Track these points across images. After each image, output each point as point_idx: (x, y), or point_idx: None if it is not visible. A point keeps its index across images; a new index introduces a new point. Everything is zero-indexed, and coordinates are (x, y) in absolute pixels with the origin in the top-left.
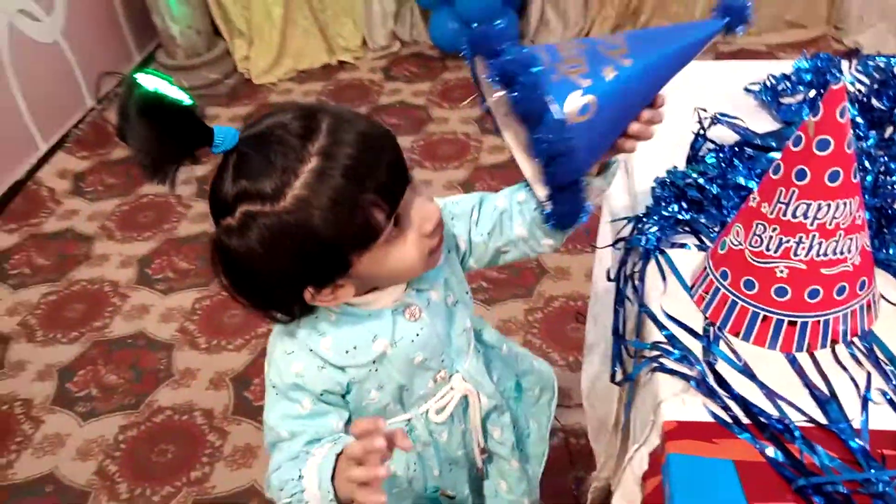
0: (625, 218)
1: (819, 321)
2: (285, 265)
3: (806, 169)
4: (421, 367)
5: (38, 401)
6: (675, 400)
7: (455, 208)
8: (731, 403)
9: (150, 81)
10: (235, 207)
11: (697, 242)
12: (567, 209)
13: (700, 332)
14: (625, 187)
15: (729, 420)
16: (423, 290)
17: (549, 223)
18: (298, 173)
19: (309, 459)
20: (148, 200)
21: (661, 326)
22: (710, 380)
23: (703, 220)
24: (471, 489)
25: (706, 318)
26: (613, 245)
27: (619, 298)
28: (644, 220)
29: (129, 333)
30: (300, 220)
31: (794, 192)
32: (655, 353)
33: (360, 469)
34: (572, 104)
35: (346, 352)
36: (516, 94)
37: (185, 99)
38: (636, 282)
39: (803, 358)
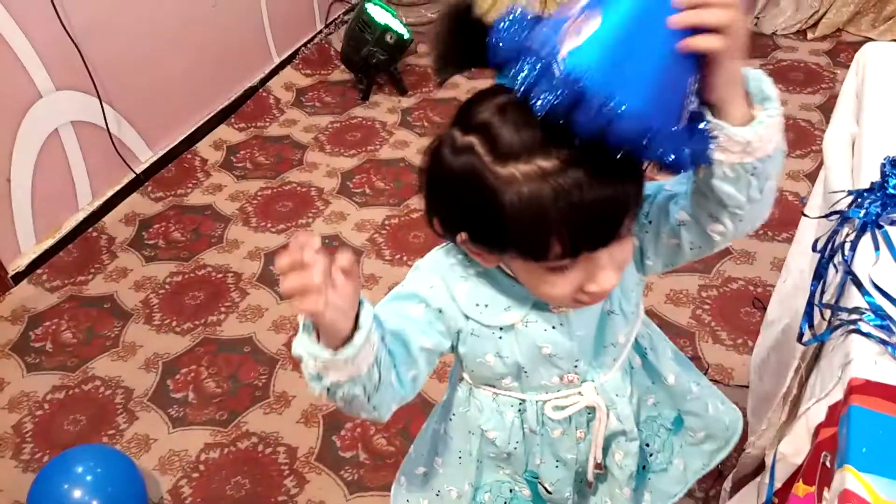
0: (845, 191)
1: None
2: (458, 204)
3: None
4: (547, 361)
5: (246, 276)
6: (867, 360)
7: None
8: None
9: (378, 13)
10: (470, 132)
11: None
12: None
13: None
14: (847, 163)
15: None
16: None
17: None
18: (531, 160)
19: None
20: (357, 122)
21: (865, 292)
22: None
23: None
24: (574, 492)
25: None
26: (828, 216)
27: (822, 268)
28: (866, 194)
29: (327, 234)
30: (497, 190)
31: None
32: (855, 316)
33: (290, 278)
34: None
35: (477, 305)
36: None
37: (405, 34)
38: (846, 252)
39: None
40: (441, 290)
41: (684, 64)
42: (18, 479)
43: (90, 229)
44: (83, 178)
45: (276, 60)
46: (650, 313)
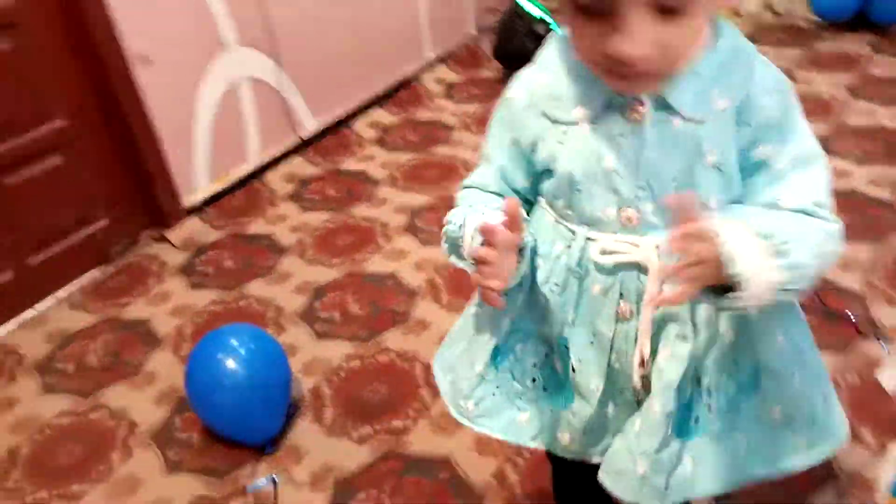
0: None
1: None
2: None
3: None
4: (605, 179)
5: (288, 310)
6: None
7: (791, 132)
8: None
9: (530, 7)
10: None
11: None
12: None
13: None
14: None
15: None
16: (668, 108)
17: None
18: None
19: (474, 216)
20: None
21: None
22: None
23: None
24: (606, 393)
25: None
26: None
27: None
28: None
29: (384, 272)
30: None
31: None
32: None
33: (476, 275)
34: None
35: (550, 96)
36: None
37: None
38: None
39: None
40: (518, 99)
41: None
42: (175, 369)
43: (255, 181)
44: (254, 134)
45: (430, 56)
46: None
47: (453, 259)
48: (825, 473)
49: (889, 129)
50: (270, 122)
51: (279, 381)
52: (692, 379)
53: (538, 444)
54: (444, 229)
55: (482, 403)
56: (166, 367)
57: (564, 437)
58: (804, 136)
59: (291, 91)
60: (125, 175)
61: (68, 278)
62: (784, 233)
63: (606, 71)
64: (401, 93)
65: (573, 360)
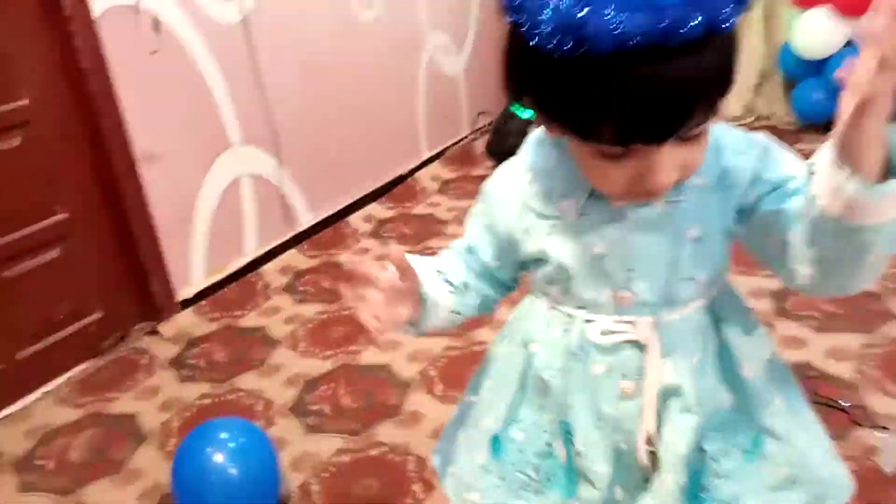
0: None
1: None
2: (526, 59)
3: None
4: (597, 265)
5: (278, 403)
6: None
7: (777, 166)
8: None
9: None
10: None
11: None
12: None
13: None
14: None
15: None
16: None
17: None
18: None
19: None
20: None
21: None
22: None
23: None
24: (614, 476)
25: None
26: None
27: None
28: None
29: (377, 363)
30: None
31: None
32: None
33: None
34: None
35: (536, 194)
36: None
37: None
38: None
39: None
40: (500, 189)
41: None
42: (160, 465)
43: (250, 274)
44: (252, 227)
45: (425, 155)
46: (806, 367)
47: None
48: None
49: None
50: (268, 217)
51: (268, 478)
52: (696, 447)
53: None
54: None
55: (488, 495)
56: (151, 463)
57: None
58: (790, 162)
59: (290, 187)
60: (120, 268)
61: (58, 372)
62: None
63: (629, 196)
64: (396, 189)
65: (577, 445)
